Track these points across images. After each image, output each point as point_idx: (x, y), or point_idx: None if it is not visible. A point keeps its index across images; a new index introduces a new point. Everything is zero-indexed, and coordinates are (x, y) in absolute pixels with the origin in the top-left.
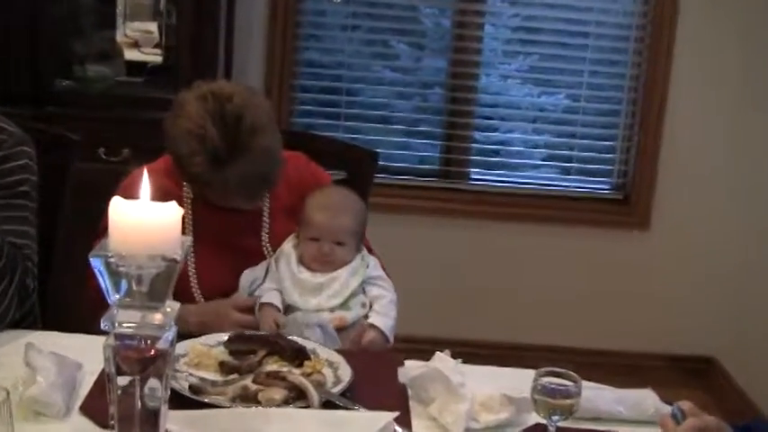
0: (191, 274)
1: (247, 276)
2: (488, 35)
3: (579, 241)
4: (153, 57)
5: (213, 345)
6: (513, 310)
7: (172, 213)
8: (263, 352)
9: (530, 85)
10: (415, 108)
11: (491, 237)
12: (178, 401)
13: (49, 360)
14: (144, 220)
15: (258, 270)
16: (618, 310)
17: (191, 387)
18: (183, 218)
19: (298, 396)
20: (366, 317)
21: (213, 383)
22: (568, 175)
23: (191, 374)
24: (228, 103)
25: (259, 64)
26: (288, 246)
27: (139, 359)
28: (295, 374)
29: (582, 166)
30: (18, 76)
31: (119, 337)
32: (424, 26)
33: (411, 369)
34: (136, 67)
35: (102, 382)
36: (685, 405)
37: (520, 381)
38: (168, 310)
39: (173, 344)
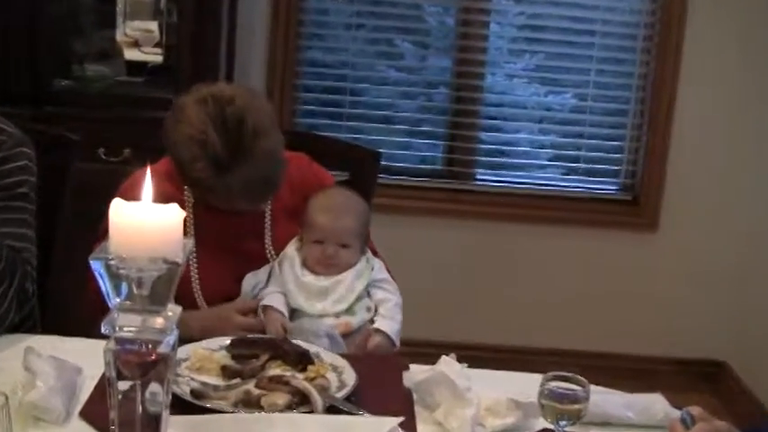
0: (193, 278)
1: (250, 280)
2: (494, 34)
3: (587, 243)
4: (153, 56)
5: (215, 349)
6: (519, 312)
7: (173, 215)
8: (266, 356)
9: (536, 85)
10: (419, 108)
11: (496, 238)
12: (179, 406)
13: (48, 364)
14: (145, 222)
15: (261, 274)
16: (626, 313)
17: (192, 392)
18: (185, 221)
19: (301, 401)
20: (372, 321)
21: (215, 388)
22: (575, 175)
23: (192, 379)
24: (229, 106)
25: (261, 63)
26: (291, 249)
27: (140, 363)
28: (298, 379)
29: (589, 166)
30: (17, 76)
31: (119, 341)
32: (428, 25)
33: (416, 373)
34: (136, 67)
35: (103, 387)
36: (695, 410)
37: (527, 385)
38: (170, 313)
39: (174, 348)
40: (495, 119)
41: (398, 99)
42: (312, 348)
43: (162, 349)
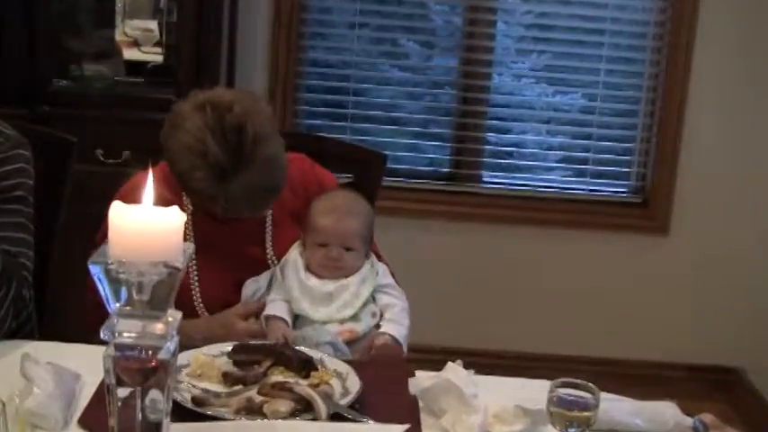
0: (192, 285)
1: (251, 286)
2: (501, 33)
3: (596, 246)
4: (153, 56)
5: (216, 355)
6: (527, 317)
7: (174, 218)
8: (269, 362)
9: (544, 85)
10: (424, 108)
11: (503, 242)
12: (180, 414)
13: (46, 371)
14: (145, 226)
15: (262, 279)
16: (635, 318)
17: (193, 399)
18: (184, 227)
19: (305, 408)
20: (378, 326)
21: (216, 395)
22: (584, 177)
23: (193, 386)
24: (228, 113)
25: (263, 64)
26: (294, 253)
27: (140, 370)
28: (302, 385)
29: (598, 168)
30: (14, 76)
31: (119, 347)
32: (434, 24)
33: (422, 380)
34: (135, 67)
35: (102, 394)
36: (707, 417)
37: (535, 392)
38: (170, 319)
39: (175, 354)
40: (502, 120)
41: (403, 100)
42: (315, 354)
43: (162, 355)
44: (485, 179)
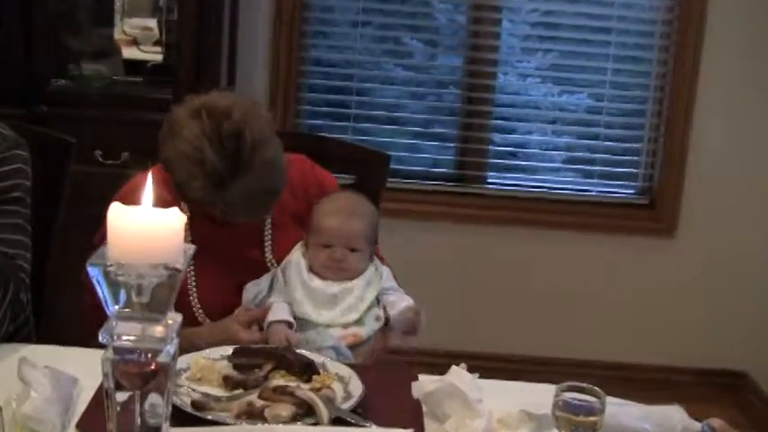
0: (191, 290)
1: (251, 290)
2: (506, 31)
3: (602, 249)
4: (153, 55)
5: (217, 358)
6: (531, 321)
7: (174, 220)
8: (270, 366)
9: (549, 84)
10: (428, 108)
11: (508, 244)
12: (180, 418)
13: (43, 375)
14: (145, 227)
15: (263, 282)
16: (642, 321)
17: (193, 403)
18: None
19: (306, 412)
20: (386, 323)
21: (217, 399)
22: (590, 178)
23: (193, 390)
24: (226, 120)
25: (264, 63)
26: (297, 254)
27: (139, 374)
28: (303, 389)
29: (605, 169)
30: (11, 75)
31: (118, 350)
32: (438, 22)
33: (425, 384)
34: (135, 66)
35: (100, 398)
36: (716, 422)
37: (540, 396)
38: (170, 321)
39: (174, 357)
40: (507, 120)
41: (407, 99)
42: (317, 358)
43: (162, 359)
44: (489, 180)
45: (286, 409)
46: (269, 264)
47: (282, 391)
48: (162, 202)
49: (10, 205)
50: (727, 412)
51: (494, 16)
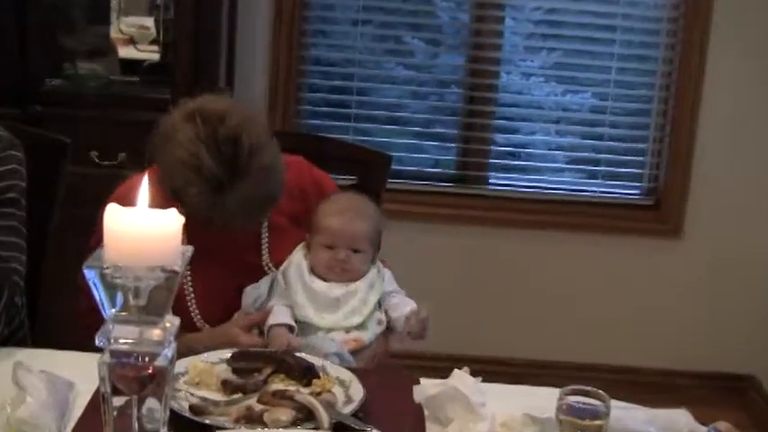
0: (188, 295)
1: (251, 294)
2: (509, 30)
3: (606, 250)
4: (149, 54)
5: (215, 362)
6: (535, 323)
7: (171, 221)
8: (269, 370)
9: (553, 83)
10: (430, 108)
11: (511, 245)
12: (178, 423)
13: (39, 379)
14: (142, 229)
15: (262, 286)
16: (647, 324)
17: (191, 407)
18: None
19: (306, 417)
20: (388, 326)
21: (215, 403)
22: (595, 179)
23: (191, 394)
24: (222, 125)
25: (263, 62)
26: (298, 255)
27: (137, 378)
28: (303, 394)
29: (609, 169)
30: (5, 75)
31: (114, 354)
32: (439, 20)
33: (427, 388)
34: (131, 65)
35: (97, 403)
36: (722, 426)
37: (544, 400)
38: (167, 325)
39: (172, 361)
40: (510, 119)
41: (408, 99)
42: (317, 362)
43: (159, 363)
44: (492, 181)
45: (286, 414)
46: (266, 267)
47: (282, 396)
48: (159, 204)
49: (4, 207)
50: (734, 415)
51: (497, 14)
